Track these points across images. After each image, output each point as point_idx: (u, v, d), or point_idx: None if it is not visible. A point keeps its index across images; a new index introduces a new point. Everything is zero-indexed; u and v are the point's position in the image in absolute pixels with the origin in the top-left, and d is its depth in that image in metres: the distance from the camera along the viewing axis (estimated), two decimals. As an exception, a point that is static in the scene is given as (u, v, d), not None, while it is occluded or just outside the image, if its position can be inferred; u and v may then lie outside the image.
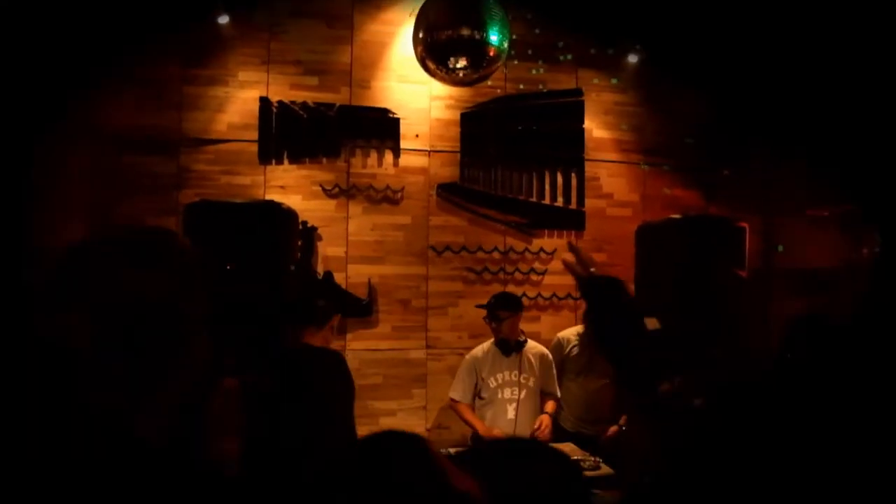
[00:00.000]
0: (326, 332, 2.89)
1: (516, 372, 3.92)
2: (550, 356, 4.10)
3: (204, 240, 3.21)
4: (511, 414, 3.87)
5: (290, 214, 3.36)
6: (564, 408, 4.25)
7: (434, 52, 3.86)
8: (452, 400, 4.04)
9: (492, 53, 3.86)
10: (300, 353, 2.69)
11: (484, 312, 4.02)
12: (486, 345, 4.05)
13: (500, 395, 3.92)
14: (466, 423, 3.98)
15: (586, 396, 4.22)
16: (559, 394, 4.09)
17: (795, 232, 4.81)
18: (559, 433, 4.13)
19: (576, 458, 3.50)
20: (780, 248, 4.83)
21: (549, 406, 4.01)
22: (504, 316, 3.89)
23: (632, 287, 4.45)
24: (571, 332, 4.40)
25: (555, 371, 4.09)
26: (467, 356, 4.10)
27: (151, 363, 0.95)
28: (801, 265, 4.58)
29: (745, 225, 3.70)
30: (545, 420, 3.87)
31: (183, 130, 4.62)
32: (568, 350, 4.30)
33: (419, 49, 3.95)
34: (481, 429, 3.84)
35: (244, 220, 3.23)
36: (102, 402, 0.91)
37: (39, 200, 3.93)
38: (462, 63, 3.87)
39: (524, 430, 3.85)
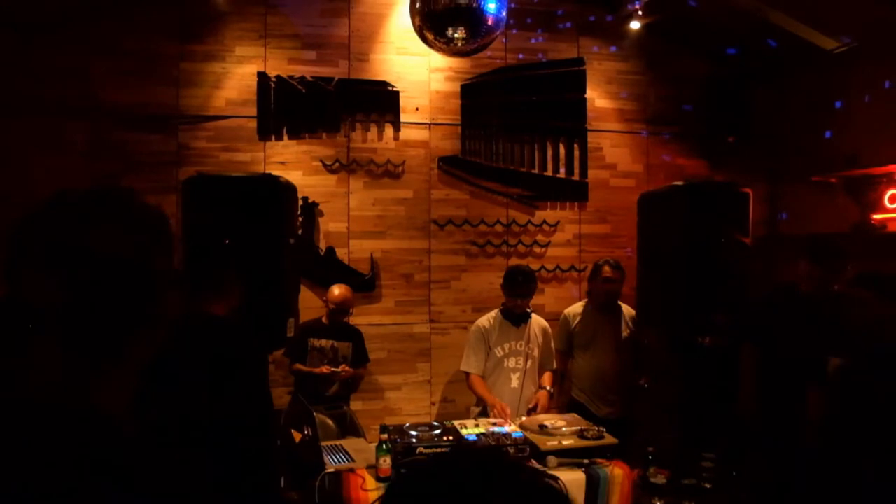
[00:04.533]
0: (230, 300, 2.79)
1: (523, 342, 3.91)
2: (550, 329, 4.10)
3: (202, 214, 3.19)
4: (515, 383, 3.86)
5: (288, 187, 3.34)
6: (574, 381, 4.26)
7: (432, 22, 3.80)
8: (466, 373, 3.99)
9: (490, 22, 3.79)
10: (189, 322, 2.62)
11: (492, 286, 4.01)
12: (492, 314, 4.02)
13: (504, 365, 3.91)
14: (479, 397, 3.88)
15: (594, 370, 4.21)
16: (555, 365, 4.11)
17: (801, 198, 4.75)
18: (571, 404, 4.18)
19: (579, 427, 3.50)
20: (784, 215, 4.78)
21: (547, 380, 4.00)
22: (532, 293, 3.94)
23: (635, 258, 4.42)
24: (577, 307, 4.39)
25: (553, 345, 4.13)
26: (473, 327, 4.05)
27: (117, 322, 0.93)
28: (807, 231, 4.52)
29: (749, 191, 3.64)
30: (542, 398, 3.85)
31: (181, 107, 4.60)
32: (574, 325, 4.30)
33: (417, 19, 3.89)
34: (493, 403, 3.74)
35: (242, 194, 3.21)
36: (64, 363, 0.89)
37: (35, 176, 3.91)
38: (460, 33, 3.80)
39: (528, 399, 3.85)
